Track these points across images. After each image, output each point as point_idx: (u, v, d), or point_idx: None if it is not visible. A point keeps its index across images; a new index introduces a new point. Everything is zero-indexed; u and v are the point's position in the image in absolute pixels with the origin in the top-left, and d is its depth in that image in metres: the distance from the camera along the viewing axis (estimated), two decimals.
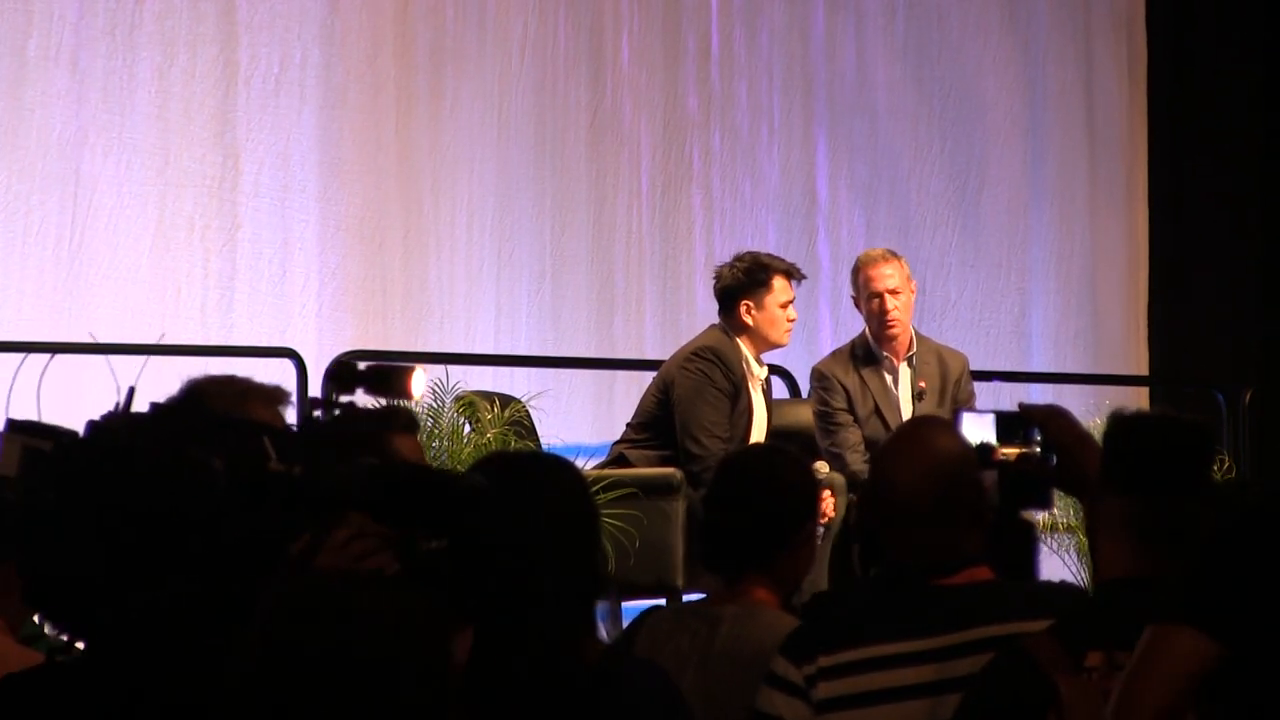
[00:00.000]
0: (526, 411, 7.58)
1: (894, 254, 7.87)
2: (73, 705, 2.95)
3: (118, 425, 2.98)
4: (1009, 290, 10.51)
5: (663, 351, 8.52)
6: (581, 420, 9.03)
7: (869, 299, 7.76)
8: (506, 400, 7.56)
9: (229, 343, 8.66)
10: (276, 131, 9.03)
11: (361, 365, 3.41)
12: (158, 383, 7.72)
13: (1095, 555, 3.49)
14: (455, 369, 7.70)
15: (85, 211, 8.66)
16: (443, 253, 9.39)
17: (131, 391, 3.05)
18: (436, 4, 9.42)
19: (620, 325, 9.67)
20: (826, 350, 8.40)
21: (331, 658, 2.49)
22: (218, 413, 3.22)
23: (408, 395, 3.41)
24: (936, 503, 3.65)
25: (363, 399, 3.38)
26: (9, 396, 3.26)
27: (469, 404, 7.32)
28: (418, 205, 9.35)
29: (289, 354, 8.06)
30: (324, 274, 9.11)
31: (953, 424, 3.79)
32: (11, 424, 3.08)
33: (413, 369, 3.43)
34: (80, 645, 3.17)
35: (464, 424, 7.31)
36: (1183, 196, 10.80)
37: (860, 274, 7.82)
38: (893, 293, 7.71)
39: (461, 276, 9.40)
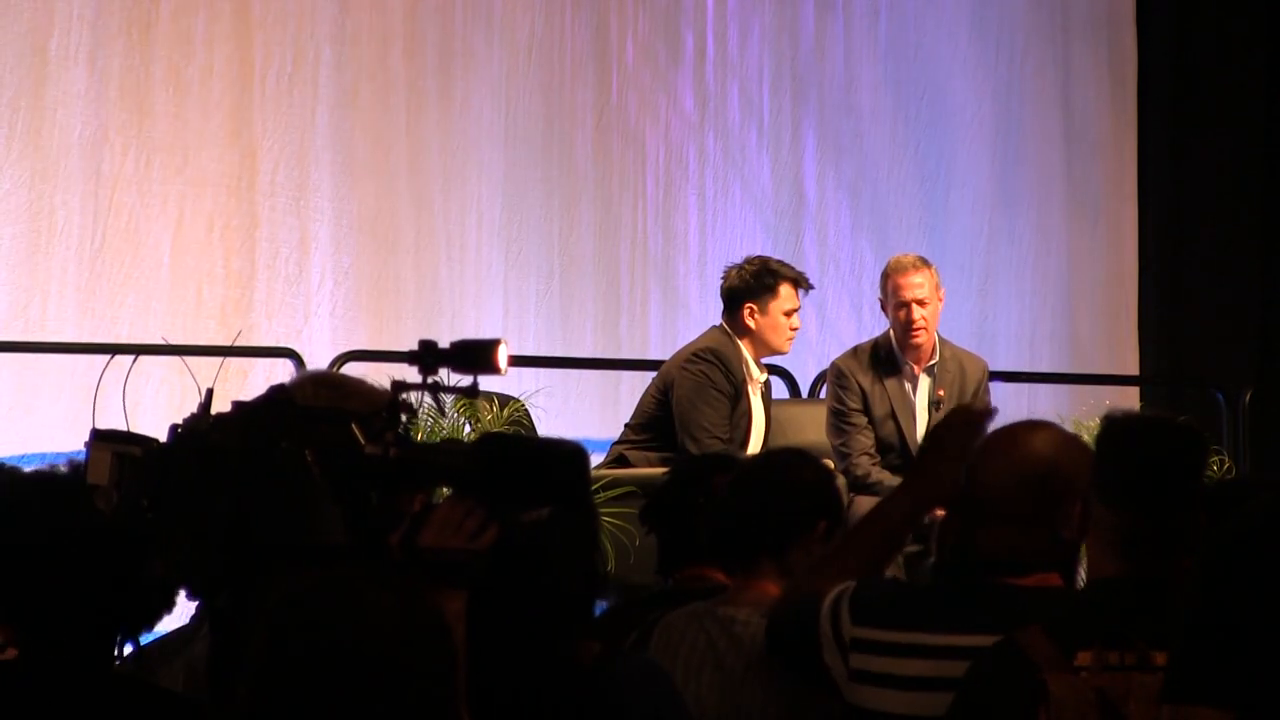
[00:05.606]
0: (526, 410, 7.58)
1: (925, 262, 7.80)
2: (10, 704, 2.95)
3: (204, 427, 2.98)
4: (970, 292, 10.42)
5: (665, 352, 8.49)
6: (588, 419, 9.02)
7: (896, 307, 7.71)
8: (506, 399, 7.55)
9: (247, 343, 8.67)
10: (291, 130, 9.04)
11: (444, 343, 3.28)
12: (167, 384, 7.72)
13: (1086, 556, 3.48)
14: None
15: (106, 210, 8.68)
16: (453, 252, 9.39)
17: (210, 393, 3.05)
18: (445, 3, 9.41)
19: (625, 325, 9.65)
20: (810, 347, 8.34)
21: (334, 658, 2.49)
22: (302, 405, 3.15)
23: (495, 369, 3.27)
24: (1013, 503, 3.60)
25: (450, 377, 3.27)
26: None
27: (469, 403, 7.32)
28: (429, 205, 9.35)
29: (289, 354, 8.07)
30: (339, 273, 9.11)
31: (1058, 429, 3.72)
32: (97, 433, 3.06)
33: (498, 342, 3.30)
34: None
35: (464, 424, 7.31)
36: (1180, 194, 10.73)
37: (889, 281, 7.76)
38: (919, 303, 7.67)
39: (471, 277, 9.40)
